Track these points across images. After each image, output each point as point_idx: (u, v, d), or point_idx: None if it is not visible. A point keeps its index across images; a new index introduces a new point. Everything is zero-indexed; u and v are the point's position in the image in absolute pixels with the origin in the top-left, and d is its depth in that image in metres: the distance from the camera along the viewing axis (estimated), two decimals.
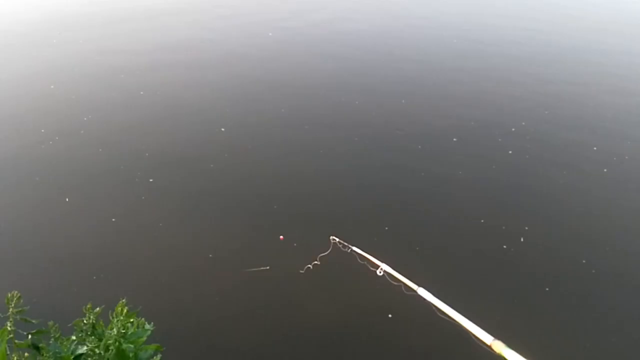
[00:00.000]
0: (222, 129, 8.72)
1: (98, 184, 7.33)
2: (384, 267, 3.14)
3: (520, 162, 7.93)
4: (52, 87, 10.54)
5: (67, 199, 6.90)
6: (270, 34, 13.70)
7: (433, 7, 15.74)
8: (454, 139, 8.48)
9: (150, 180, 7.38)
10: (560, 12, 15.39)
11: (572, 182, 7.48)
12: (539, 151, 8.18)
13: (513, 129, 8.71)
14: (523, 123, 8.88)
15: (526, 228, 6.51)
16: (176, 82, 10.87)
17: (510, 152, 8.11)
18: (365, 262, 3.51)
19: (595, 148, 8.27)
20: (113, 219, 6.54)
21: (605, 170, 7.69)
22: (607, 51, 12.53)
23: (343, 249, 4.18)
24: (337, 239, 4.37)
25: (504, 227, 6.57)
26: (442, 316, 2.26)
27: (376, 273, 3.15)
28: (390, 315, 5.18)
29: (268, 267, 5.64)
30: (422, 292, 2.60)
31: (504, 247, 6.23)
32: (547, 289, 5.63)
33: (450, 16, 14.93)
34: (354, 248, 3.96)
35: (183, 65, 11.82)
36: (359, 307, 5.35)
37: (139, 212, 6.77)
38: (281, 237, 6.07)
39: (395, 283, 2.91)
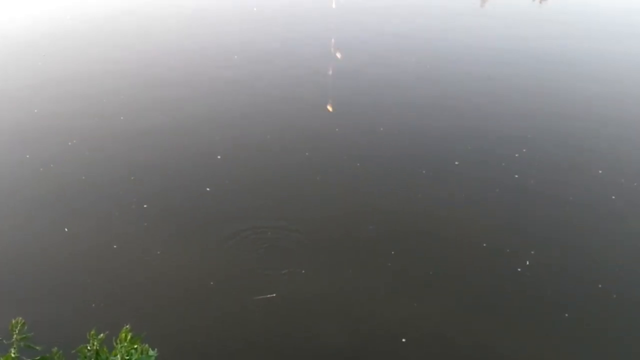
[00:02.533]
0: (219, 157, 8.84)
1: (92, 212, 7.44)
2: None
3: (524, 187, 8.02)
4: (35, 111, 10.73)
5: (66, 229, 7.01)
6: (235, 56, 13.97)
7: (433, 32, 16.18)
8: (456, 163, 8.66)
9: (145, 206, 7.52)
10: (560, 35, 15.80)
11: (580, 209, 7.58)
12: (542, 177, 8.26)
13: (517, 155, 8.88)
14: (524, 150, 8.95)
15: (532, 252, 6.57)
16: (164, 104, 10.94)
17: (516, 176, 8.26)
18: None
19: (600, 171, 8.43)
20: (115, 246, 6.67)
21: (613, 197, 7.77)
22: (609, 71, 12.84)
23: None
24: None
25: (508, 250, 6.66)
26: None
27: None
28: (404, 340, 5.31)
29: (274, 295, 5.75)
30: None
31: (519, 269, 6.31)
32: (566, 315, 5.69)
33: (451, 40, 15.31)
34: None
35: (172, 85, 11.91)
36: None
37: (138, 239, 6.89)
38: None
39: None
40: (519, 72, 12.73)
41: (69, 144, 9.27)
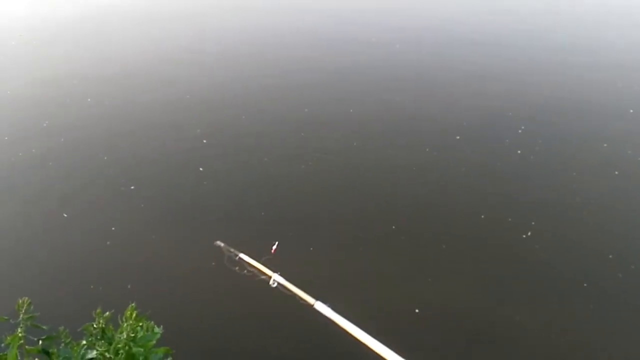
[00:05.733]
0: (204, 141, 8.92)
1: (83, 196, 7.67)
2: (277, 277, 3.27)
3: (526, 162, 8.18)
4: (8, 92, 10.79)
5: (64, 214, 7.24)
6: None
7: (434, 6, 16.21)
8: (457, 137, 8.79)
9: (132, 187, 7.67)
10: (566, 10, 15.81)
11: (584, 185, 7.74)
12: (545, 152, 8.43)
13: (519, 131, 8.99)
14: (523, 127, 9.08)
15: (533, 223, 6.75)
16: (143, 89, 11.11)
17: (519, 151, 8.39)
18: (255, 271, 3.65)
19: (605, 145, 8.58)
20: (113, 228, 6.91)
21: (616, 172, 7.91)
22: (613, 46, 12.89)
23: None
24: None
25: (510, 219, 6.88)
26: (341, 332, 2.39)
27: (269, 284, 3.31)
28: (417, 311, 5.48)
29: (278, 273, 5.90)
30: (320, 307, 2.72)
31: (523, 236, 6.55)
32: (585, 285, 5.89)
33: (453, 14, 15.31)
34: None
35: (149, 69, 12.10)
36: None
37: (134, 220, 7.12)
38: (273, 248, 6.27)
39: (289, 294, 3.05)
40: (522, 48, 12.79)
41: (44, 124, 9.40)
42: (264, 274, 3.37)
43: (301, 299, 2.86)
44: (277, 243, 4.78)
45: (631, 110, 9.65)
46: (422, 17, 15.22)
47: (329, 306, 2.57)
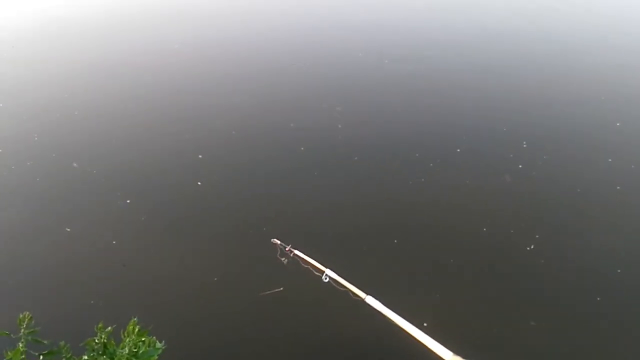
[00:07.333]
0: (200, 156, 8.90)
1: (80, 211, 7.65)
2: (329, 272, 3.38)
3: (529, 176, 8.21)
4: (1, 105, 10.90)
5: (67, 229, 7.24)
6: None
7: (436, 17, 16.37)
8: (458, 150, 8.86)
9: (128, 201, 7.70)
10: (568, 23, 15.97)
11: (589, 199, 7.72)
12: (548, 166, 8.45)
13: (524, 145, 9.06)
14: (524, 144, 9.08)
15: (537, 236, 6.75)
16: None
17: (520, 166, 8.45)
18: (309, 267, 3.75)
19: (610, 160, 8.62)
20: (114, 242, 6.93)
21: (618, 187, 7.88)
22: (619, 62, 12.99)
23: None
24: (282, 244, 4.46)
25: (512, 231, 6.89)
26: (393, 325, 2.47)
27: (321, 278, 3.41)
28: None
29: (282, 289, 5.91)
30: (370, 300, 2.82)
31: (527, 248, 6.53)
32: (598, 299, 5.86)
33: (459, 29, 15.46)
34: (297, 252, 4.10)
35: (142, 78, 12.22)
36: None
37: (135, 234, 7.13)
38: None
39: (342, 289, 3.15)
40: (528, 61, 12.90)
41: (35, 138, 9.48)
42: (317, 269, 3.44)
43: (353, 293, 2.93)
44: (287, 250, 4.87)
45: (618, 124, 9.70)
46: (415, 31, 15.31)
47: (379, 300, 2.66)
